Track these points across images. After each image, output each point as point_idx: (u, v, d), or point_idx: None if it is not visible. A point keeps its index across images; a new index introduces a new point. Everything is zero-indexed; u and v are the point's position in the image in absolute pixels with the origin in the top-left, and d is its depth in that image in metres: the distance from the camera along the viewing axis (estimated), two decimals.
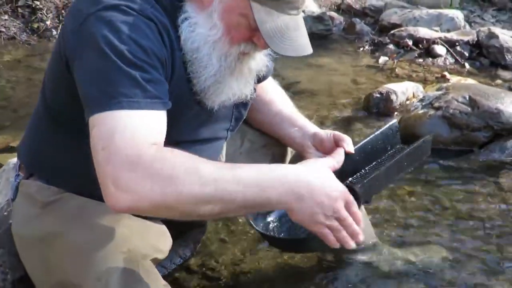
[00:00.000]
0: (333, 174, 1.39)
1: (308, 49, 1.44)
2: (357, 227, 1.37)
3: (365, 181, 1.59)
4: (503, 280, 2.03)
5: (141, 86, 1.28)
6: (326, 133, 1.75)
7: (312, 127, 1.80)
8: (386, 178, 1.70)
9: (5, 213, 1.93)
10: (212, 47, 1.43)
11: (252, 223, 1.55)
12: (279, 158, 1.91)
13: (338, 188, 1.36)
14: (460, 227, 2.37)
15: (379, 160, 1.78)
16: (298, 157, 1.89)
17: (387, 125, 1.81)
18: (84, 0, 1.42)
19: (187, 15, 1.43)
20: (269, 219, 1.65)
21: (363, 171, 1.73)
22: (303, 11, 1.49)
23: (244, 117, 1.77)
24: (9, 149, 2.98)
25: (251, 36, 1.43)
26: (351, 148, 1.68)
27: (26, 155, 1.67)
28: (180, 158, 1.24)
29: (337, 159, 1.55)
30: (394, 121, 1.85)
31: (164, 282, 1.45)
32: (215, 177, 1.23)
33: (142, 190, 1.19)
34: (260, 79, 1.79)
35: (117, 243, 1.40)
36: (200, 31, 1.42)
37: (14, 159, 2.21)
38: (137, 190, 1.19)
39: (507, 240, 2.29)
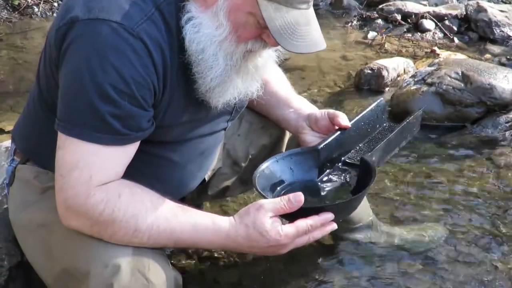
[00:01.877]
0: (271, 223, 1.39)
1: (321, 44, 1.40)
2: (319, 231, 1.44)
3: (374, 150, 1.64)
4: (499, 255, 2.06)
5: (107, 122, 1.31)
6: (321, 112, 1.75)
7: (307, 108, 1.79)
8: (387, 152, 1.73)
9: None
10: (218, 47, 1.39)
11: (263, 194, 1.52)
12: (276, 139, 1.91)
13: (273, 238, 1.39)
14: (454, 203, 2.39)
15: (370, 137, 1.80)
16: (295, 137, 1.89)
17: (375, 103, 1.83)
18: None
19: (191, 15, 1.37)
20: (278, 188, 1.63)
21: (358, 147, 1.76)
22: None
23: (245, 105, 1.74)
24: None
25: (260, 34, 1.38)
26: (346, 123, 1.69)
27: (22, 141, 1.64)
28: (123, 204, 1.34)
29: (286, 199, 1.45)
30: (381, 99, 1.86)
31: (174, 271, 1.46)
32: (150, 230, 1.36)
33: (82, 226, 1.37)
34: None
35: None
36: (206, 31, 1.37)
37: (4, 143, 2.18)
38: (78, 224, 1.37)
39: (502, 214, 2.32)
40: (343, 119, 1.69)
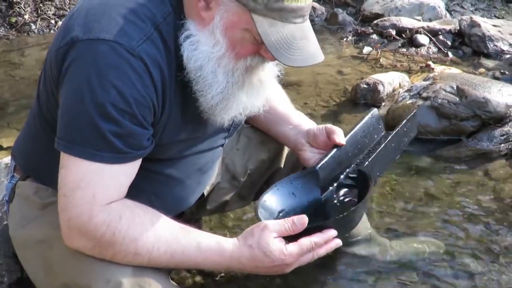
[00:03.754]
0: (275, 243, 1.40)
1: (319, 57, 1.39)
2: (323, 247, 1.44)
3: (369, 160, 1.65)
4: (497, 267, 2.07)
5: (108, 140, 1.32)
6: (319, 127, 1.74)
7: (306, 124, 1.79)
8: (386, 159, 1.74)
9: None
10: (216, 64, 1.39)
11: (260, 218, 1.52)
12: (275, 154, 1.91)
13: (277, 258, 1.40)
14: (450, 216, 2.40)
15: (369, 149, 1.78)
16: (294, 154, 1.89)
17: (369, 114, 1.81)
18: (77, 17, 1.38)
19: (189, 33, 1.38)
20: (277, 210, 1.62)
21: (358, 161, 1.74)
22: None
23: (243, 122, 1.74)
24: None
25: (257, 50, 1.38)
26: (342, 140, 1.68)
27: (22, 158, 1.65)
28: (124, 227, 1.34)
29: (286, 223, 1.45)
30: (373, 109, 1.84)
31: (173, 283, 1.45)
32: (150, 254, 1.36)
33: (84, 246, 1.36)
34: None
35: None
36: (203, 49, 1.38)
37: (3, 160, 2.18)
38: (80, 245, 1.36)
39: (499, 227, 2.32)
40: (339, 136, 1.69)
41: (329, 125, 1.72)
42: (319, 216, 1.63)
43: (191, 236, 1.41)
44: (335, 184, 1.69)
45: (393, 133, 1.76)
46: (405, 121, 1.80)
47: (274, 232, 1.39)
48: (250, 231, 1.42)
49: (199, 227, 2.15)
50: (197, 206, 1.87)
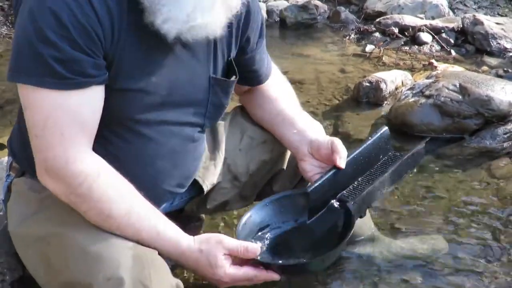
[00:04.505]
0: (222, 259, 1.44)
1: None
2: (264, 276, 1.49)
3: (357, 198, 1.61)
4: (499, 264, 2.06)
5: (50, 66, 1.33)
6: (325, 140, 1.70)
7: (312, 132, 1.75)
8: (380, 190, 1.69)
9: (0, 213, 1.90)
10: None
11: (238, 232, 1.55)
12: (278, 155, 1.88)
13: (217, 273, 1.45)
14: (455, 214, 2.38)
15: (371, 170, 1.74)
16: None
17: (378, 134, 1.77)
18: None
19: None
20: (260, 226, 1.62)
21: (356, 183, 1.70)
22: None
23: (226, 106, 1.72)
24: None
25: None
26: (342, 163, 1.64)
27: (16, 153, 1.65)
28: (102, 185, 1.40)
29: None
30: (385, 128, 1.79)
31: (175, 279, 1.45)
32: (121, 221, 1.40)
33: (60, 191, 1.40)
34: (262, 78, 1.78)
35: (123, 239, 1.41)
36: None
37: (4, 158, 2.18)
38: (56, 188, 1.41)
39: (501, 225, 2.31)
40: (341, 158, 1.64)
41: (336, 142, 1.67)
42: (303, 239, 1.63)
43: (159, 221, 1.45)
44: (324, 209, 1.65)
45: (392, 167, 1.71)
46: (410, 153, 1.76)
47: (226, 250, 1.44)
48: (207, 237, 1.47)
49: (200, 225, 2.16)
50: (197, 204, 1.86)
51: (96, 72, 1.39)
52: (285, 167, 1.90)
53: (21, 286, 1.76)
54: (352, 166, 1.68)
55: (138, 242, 1.43)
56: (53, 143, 1.36)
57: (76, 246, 1.40)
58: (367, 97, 3.45)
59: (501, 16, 4.97)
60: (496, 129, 2.95)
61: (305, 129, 1.76)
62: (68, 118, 1.37)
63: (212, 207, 1.90)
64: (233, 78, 1.66)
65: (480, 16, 4.39)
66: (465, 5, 5.34)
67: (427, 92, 3.12)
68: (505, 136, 2.92)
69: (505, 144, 2.89)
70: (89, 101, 1.40)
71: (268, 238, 1.61)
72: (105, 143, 1.49)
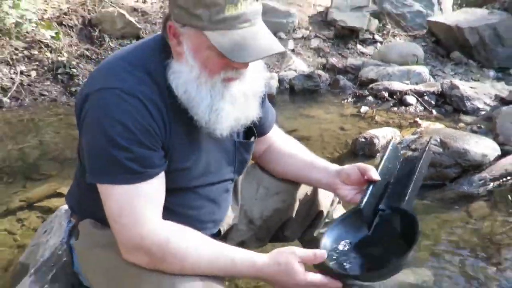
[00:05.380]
0: (298, 266, 1.40)
1: (271, 48, 1.34)
2: None
3: (405, 198, 1.55)
4: None
5: (124, 165, 1.35)
6: (350, 167, 1.68)
7: (331, 166, 1.74)
8: (416, 189, 1.63)
9: (59, 252, 1.92)
10: (196, 84, 1.39)
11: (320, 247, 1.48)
12: (288, 205, 1.86)
13: (297, 278, 1.40)
14: (437, 250, 2.36)
15: (395, 177, 1.68)
16: (309, 202, 1.86)
17: (390, 146, 1.73)
18: (91, 77, 1.45)
19: (172, 70, 1.40)
20: (336, 244, 1.54)
21: (388, 191, 1.64)
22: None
23: (249, 161, 1.72)
24: (56, 195, 2.97)
25: (226, 62, 1.36)
26: (377, 176, 1.62)
27: (74, 208, 1.67)
28: (172, 249, 1.36)
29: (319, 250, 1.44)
30: (393, 141, 1.77)
31: None
32: (194, 268, 1.37)
33: (141, 261, 1.38)
34: (266, 128, 1.76)
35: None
36: (184, 76, 1.39)
37: (64, 206, 2.20)
38: (137, 260, 1.38)
39: (479, 260, 2.29)
40: (374, 173, 1.62)
41: (362, 164, 1.66)
42: (371, 249, 1.56)
43: (229, 250, 1.42)
44: (376, 219, 1.60)
45: (419, 164, 1.65)
46: (426, 151, 1.71)
47: (299, 258, 1.40)
48: (280, 251, 1.43)
49: None
50: None
51: (161, 162, 1.42)
52: (294, 215, 1.88)
53: None
54: (383, 177, 1.64)
55: (216, 275, 1.41)
56: (129, 226, 1.36)
57: (147, 276, 1.39)
58: (362, 150, 3.45)
59: (474, 81, 4.99)
60: (472, 177, 2.94)
61: (325, 165, 1.75)
62: (139, 204, 1.37)
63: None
64: (252, 139, 1.67)
65: (456, 82, 4.41)
66: (443, 72, 5.38)
67: (413, 146, 3.12)
68: (480, 182, 2.91)
69: (481, 189, 2.88)
70: (157, 186, 1.42)
71: (343, 252, 1.55)
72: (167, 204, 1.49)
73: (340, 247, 1.54)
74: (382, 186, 1.65)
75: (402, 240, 1.52)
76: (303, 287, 1.42)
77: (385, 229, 1.58)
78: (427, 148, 1.72)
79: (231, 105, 1.42)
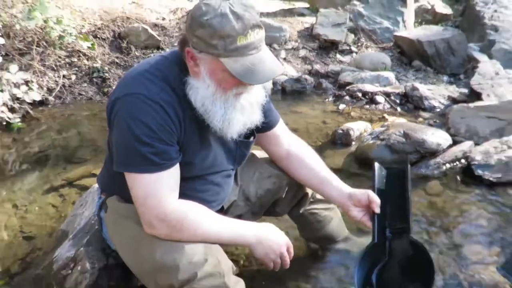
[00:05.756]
0: (279, 232, 1.51)
1: (274, 72, 1.34)
2: (288, 261, 1.52)
3: (410, 222, 1.51)
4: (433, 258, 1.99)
5: (148, 158, 1.35)
6: (361, 192, 1.63)
7: (344, 187, 1.70)
8: (410, 204, 1.59)
9: (92, 221, 1.92)
10: (212, 99, 1.39)
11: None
12: (278, 187, 1.85)
13: (283, 240, 1.50)
14: None
15: (386, 195, 1.62)
16: (296, 185, 1.84)
17: (376, 169, 1.68)
18: (118, 86, 1.44)
19: (191, 85, 1.40)
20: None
21: (388, 210, 1.59)
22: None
23: (247, 155, 1.71)
24: (90, 175, 2.97)
25: (237, 81, 1.36)
26: (378, 210, 1.58)
27: (104, 188, 1.66)
28: (189, 222, 1.40)
29: None
30: (376, 163, 1.69)
31: (230, 261, 1.48)
32: (204, 238, 1.41)
33: (162, 233, 1.40)
34: (271, 125, 1.72)
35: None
36: (201, 92, 1.39)
37: (96, 184, 2.19)
38: (159, 232, 1.40)
39: (435, 228, 2.28)
40: (376, 206, 1.58)
41: (370, 194, 1.60)
42: (396, 269, 1.52)
43: (230, 220, 1.49)
44: (387, 245, 1.54)
45: (408, 182, 1.61)
46: (408, 166, 1.67)
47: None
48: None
49: None
50: None
51: (177, 155, 1.42)
52: (283, 195, 1.88)
53: (105, 271, 1.77)
54: (380, 199, 1.60)
55: (221, 239, 1.44)
56: (154, 206, 1.37)
57: (163, 243, 1.40)
58: (340, 140, 3.43)
59: (431, 84, 4.96)
60: (429, 161, 2.92)
61: (339, 185, 1.70)
62: (161, 188, 1.38)
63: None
64: (251, 139, 1.65)
65: (417, 85, 4.38)
66: (406, 77, 5.34)
67: (381, 137, 3.11)
68: (435, 166, 2.89)
69: (435, 171, 2.86)
70: (174, 174, 1.42)
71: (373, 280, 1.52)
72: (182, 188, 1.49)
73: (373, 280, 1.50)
74: (382, 206, 1.59)
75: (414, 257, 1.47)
76: (284, 246, 1.48)
77: (398, 252, 1.53)
78: (409, 169, 1.67)
79: (240, 114, 1.43)
